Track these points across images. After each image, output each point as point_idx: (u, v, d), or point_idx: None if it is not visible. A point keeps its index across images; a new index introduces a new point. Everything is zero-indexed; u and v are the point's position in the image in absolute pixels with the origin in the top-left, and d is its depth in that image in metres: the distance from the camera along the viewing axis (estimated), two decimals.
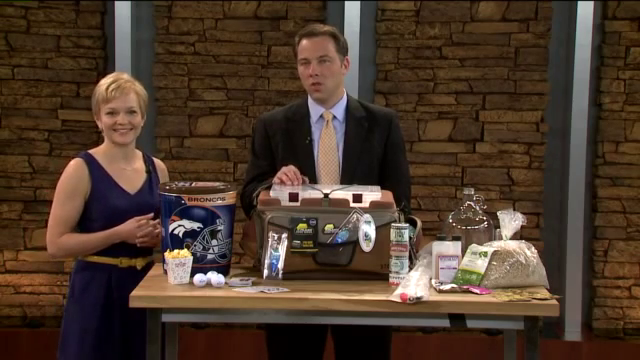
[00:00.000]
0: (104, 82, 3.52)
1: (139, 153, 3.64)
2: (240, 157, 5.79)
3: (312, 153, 3.63)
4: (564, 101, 5.75)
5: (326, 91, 3.61)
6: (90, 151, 3.55)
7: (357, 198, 3.30)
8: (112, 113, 3.48)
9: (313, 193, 3.32)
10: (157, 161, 3.70)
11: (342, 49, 3.63)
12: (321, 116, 3.67)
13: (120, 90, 3.48)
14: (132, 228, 3.42)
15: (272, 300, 3.07)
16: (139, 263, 3.50)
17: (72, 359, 3.46)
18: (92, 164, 3.48)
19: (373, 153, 3.65)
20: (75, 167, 3.47)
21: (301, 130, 3.65)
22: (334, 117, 3.67)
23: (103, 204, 3.45)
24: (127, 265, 3.48)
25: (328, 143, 3.64)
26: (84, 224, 3.48)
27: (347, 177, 3.59)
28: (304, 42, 3.61)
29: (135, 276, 3.41)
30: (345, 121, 3.66)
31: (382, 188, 3.43)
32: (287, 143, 3.65)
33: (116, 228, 3.43)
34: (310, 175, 3.57)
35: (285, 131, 3.65)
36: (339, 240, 3.25)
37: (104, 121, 3.49)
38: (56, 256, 3.58)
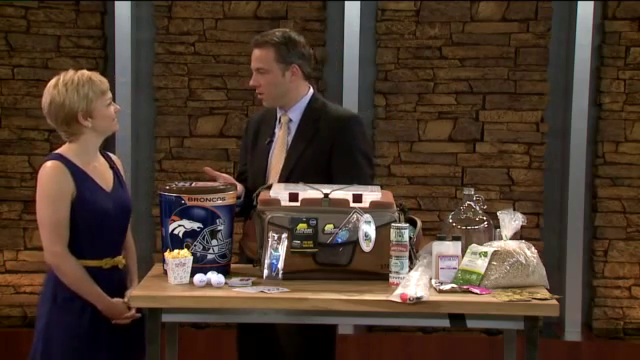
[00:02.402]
0: (82, 77, 3.36)
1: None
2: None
3: (268, 153, 3.74)
4: (564, 101, 5.75)
5: (268, 100, 3.72)
6: (59, 152, 3.38)
7: (357, 198, 3.30)
8: (110, 103, 3.39)
9: (313, 193, 3.32)
10: (112, 155, 3.57)
11: (286, 57, 3.66)
12: (280, 118, 3.76)
13: (105, 80, 3.39)
14: (119, 312, 3.34)
15: (272, 300, 3.07)
16: (120, 262, 3.42)
17: None
18: (70, 165, 3.33)
19: (317, 156, 3.67)
20: (56, 169, 3.30)
21: (266, 131, 3.79)
22: (290, 120, 3.74)
23: (90, 205, 3.32)
24: (111, 265, 3.39)
25: (280, 144, 3.73)
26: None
27: (284, 176, 3.65)
28: (253, 50, 3.72)
29: (119, 275, 3.39)
30: (298, 123, 3.73)
31: None
32: (254, 143, 3.81)
33: (108, 301, 3.32)
34: (260, 174, 3.72)
35: (256, 132, 3.83)
36: (339, 240, 3.25)
37: (106, 113, 3.36)
38: (52, 264, 3.35)
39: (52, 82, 3.39)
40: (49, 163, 3.32)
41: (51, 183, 3.29)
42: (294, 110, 3.74)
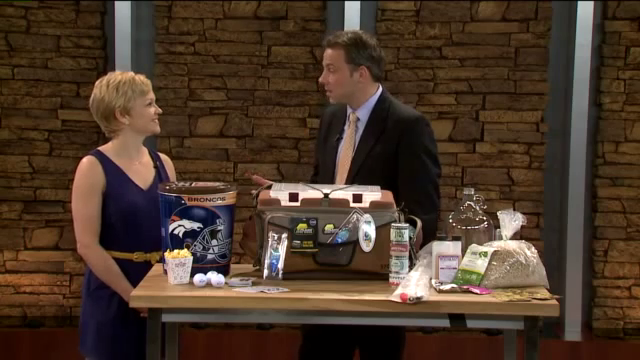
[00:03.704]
0: (125, 76, 3.51)
1: (145, 149, 3.66)
2: (240, 157, 5.79)
3: (336, 150, 3.82)
4: (564, 101, 5.75)
5: (335, 98, 3.82)
6: (99, 148, 3.56)
7: (357, 198, 3.30)
8: (151, 104, 3.53)
9: (313, 193, 3.32)
10: (163, 156, 3.74)
11: (356, 58, 3.73)
12: (349, 117, 3.83)
13: (148, 82, 3.54)
14: None
15: (272, 300, 3.07)
16: (154, 258, 3.52)
17: (90, 353, 3.51)
18: (104, 161, 3.49)
19: (383, 156, 3.71)
20: (89, 165, 3.48)
21: (337, 127, 3.86)
22: (358, 119, 3.80)
23: (119, 200, 3.46)
24: (142, 260, 3.50)
25: (348, 142, 3.80)
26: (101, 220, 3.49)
27: (351, 175, 3.72)
28: (325, 49, 3.81)
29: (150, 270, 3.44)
30: (366, 123, 3.79)
31: (394, 189, 3.47)
32: (325, 137, 3.90)
33: None
34: (329, 170, 3.80)
35: (328, 126, 3.90)
36: (339, 240, 3.25)
37: (145, 113, 3.51)
38: (82, 255, 3.54)
39: (98, 81, 3.56)
40: (85, 159, 3.51)
41: (83, 178, 3.48)
42: (362, 109, 3.79)
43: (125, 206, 3.47)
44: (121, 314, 3.47)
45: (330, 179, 3.76)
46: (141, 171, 3.57)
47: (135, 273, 3.45)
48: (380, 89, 3.83)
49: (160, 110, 3.58)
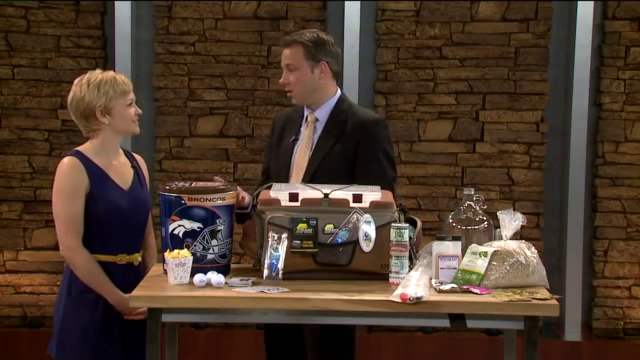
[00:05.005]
0: (106, 75, 3.45)
1: (120, 149, 3.59)
2: (240, 157, 5.79)
3: (291, 151, 3.76)
4: (564, 101, 5.75)
5: (297, 97, 3.75)
6: (78, 149, 3.48)
7: (357, 198, 3.30)
8: (131, 104, 3.47)
9: (313, 193, 3.32)
10: (137, 156, 3.66)
11: (315, 54, 3.70)
12: (307, 117, 3.78)
13: (129, 82, 3.49)
14: (130, 308, 3.33)
15: (272, 300, 3.07)
16: (136, 259, 3.49)
17: (72, 357, 3.45)
18: (85, 161, 3.42)
19: (342, 156, 3.68)
20: (71, 165, 3.40)
21: (292, 129, 3.80)
22: (317, 119, 3.76)
23: (102, 201, 3.40)
24: (126, 262, 3.46)
25: (305, 142, 3.75)
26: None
27: (308, 176, 3.67)
28: (283, 50, 3.75)
29: (134, 272, 3.43)
30: (325, 123, 3.75)
31: None
32: (279, 140, 3.82)
33: (119, 295, 3.37)
34: (283, 172, 3.73)
35: (282, 129, 3.83)
36: (339, 240, 3.25)
37: (125, 113, 3.44)
38: (65, 257, 3.45)
39: (77, 79, 3.50)
40: (66, 159, 3.43)
41: (66, 178, 3.39)
42: (321, 109, 3.76)
43: (109, 207, 3.40)
44: (106, 318, 3.41)
45: (284, 180, 3.67)
46: (121, 171, 3.50)
47: (119, 275, 3.42)
48: (339, 92, 3.80)
49: (140, 111, 3.52)
